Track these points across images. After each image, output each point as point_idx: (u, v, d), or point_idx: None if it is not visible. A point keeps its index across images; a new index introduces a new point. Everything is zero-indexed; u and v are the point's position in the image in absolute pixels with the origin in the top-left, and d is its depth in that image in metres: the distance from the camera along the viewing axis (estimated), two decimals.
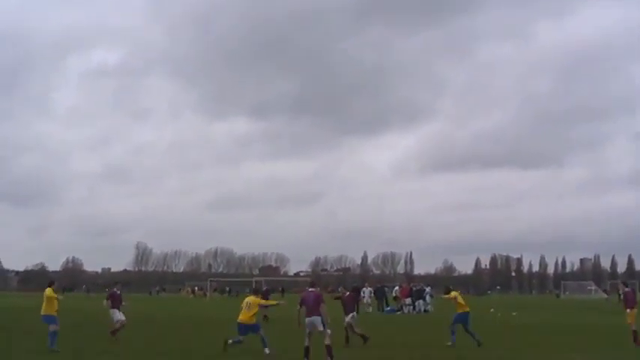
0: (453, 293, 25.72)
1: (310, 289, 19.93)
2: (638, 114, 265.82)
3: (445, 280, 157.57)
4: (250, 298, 21.89)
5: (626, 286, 27.44)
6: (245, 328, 21.28)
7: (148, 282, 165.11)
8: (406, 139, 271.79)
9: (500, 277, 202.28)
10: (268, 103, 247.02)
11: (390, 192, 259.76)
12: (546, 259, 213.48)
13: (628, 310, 25.34)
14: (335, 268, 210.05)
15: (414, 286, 56.12)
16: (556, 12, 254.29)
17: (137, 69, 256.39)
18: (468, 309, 24.98)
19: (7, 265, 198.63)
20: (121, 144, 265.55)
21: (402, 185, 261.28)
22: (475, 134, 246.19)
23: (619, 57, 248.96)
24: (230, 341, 21.30)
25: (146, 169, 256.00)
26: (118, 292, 27.45)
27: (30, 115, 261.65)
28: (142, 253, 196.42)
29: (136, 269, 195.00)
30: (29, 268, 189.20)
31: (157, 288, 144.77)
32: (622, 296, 28.92)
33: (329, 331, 19.07)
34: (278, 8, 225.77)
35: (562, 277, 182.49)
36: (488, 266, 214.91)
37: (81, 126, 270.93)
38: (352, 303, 26.22)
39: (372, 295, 53.05)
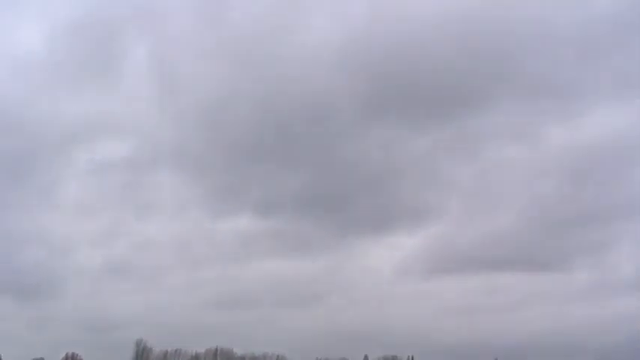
0: None
1: None
2: None
3: None
4: None
5: None
6: None
7: None
8: (411, 239, 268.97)
9: None
10: (273, 201, 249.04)
11: (394, 294, 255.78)
12: None
13: None
14: None
15: None
16: (565, 114, 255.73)
17: (144, 162, 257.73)
18: None
19: (6, 358, 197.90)
20: (125, 239, 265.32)
21: (406, 287, 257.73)
22: (481, 236, 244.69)
23: (628, 160, 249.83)
24: None
25: (149, 265, 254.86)
26: None
27: (35, 207, 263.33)
28: (142, 351, 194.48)
29: None
30: None
31: None
32: None
33: None
34: (288, 104, 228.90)
35: None
36: None
37: (85, 219, 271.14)
38: None
39: None
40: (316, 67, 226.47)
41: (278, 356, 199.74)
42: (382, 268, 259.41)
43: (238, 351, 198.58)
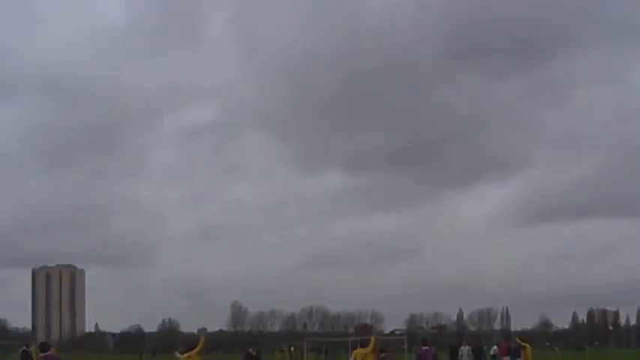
0: None
1: (424, 347, 20.58)
2: None
3: (542, 335, 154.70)
4: (359, 351, 22.66)
5: None
6: None
7: (243, 342, 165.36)
8: (502, 190, 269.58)
9: (598, 331, 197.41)
10: (361, 157, 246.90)
11: (486, 245, 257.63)
12: None
13: None
14: (430, 325, 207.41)
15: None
16: None
17: (230, 126, 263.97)
18: None
19: (103, 327, 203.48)
20: (215, 203, 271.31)
21: (498, 238, 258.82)
22: (570, 183, 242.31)
23: None
24: None
25: (240, 227, 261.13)
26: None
27: (125, 177, 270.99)
28: (238, 313, 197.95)
29: (232, 329, 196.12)
30: (125, 330, 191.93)
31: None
32: None
33: None
34: (371, 58, 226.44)
35: None
36: (585, 320, 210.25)
37: (175, 186, 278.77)
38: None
39: (471, 353, 52.45)
40: (398, 19, 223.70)
41: (372, 312, 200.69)
42: (473, 220, 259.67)
43: (333, 309, 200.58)
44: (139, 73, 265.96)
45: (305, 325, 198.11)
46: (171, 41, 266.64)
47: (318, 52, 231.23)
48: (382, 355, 41.01)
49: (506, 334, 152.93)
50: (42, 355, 21.32)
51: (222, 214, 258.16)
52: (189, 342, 35.32)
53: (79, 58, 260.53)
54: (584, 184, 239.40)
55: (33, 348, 42.08)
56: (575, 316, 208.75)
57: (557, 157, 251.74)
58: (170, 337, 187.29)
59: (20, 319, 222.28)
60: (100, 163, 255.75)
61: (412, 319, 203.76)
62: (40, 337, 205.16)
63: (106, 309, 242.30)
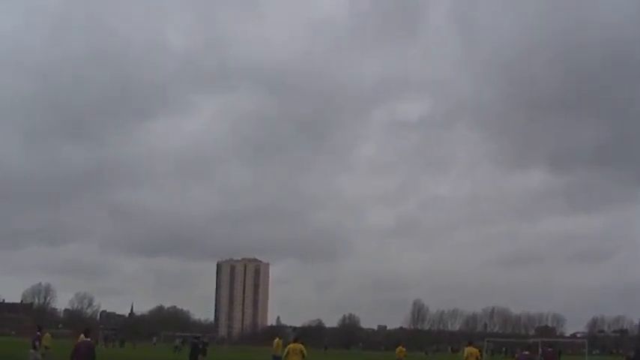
0: None
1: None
2: None
3: None
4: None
5: None
6: None
7: (422, 341, 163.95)
8: None
9: None
10: (568, 155, 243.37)
11: None
12: None
13: None
14: (612, 329, 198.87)
15: None
16: None
17: (442, 120, 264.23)
18: None
19: (285, 321, 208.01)
20: (416, 197, 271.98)
21: None
22: None
23: None
24: None
25: (437, 222, 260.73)
26: None
27: (330, 169, 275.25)
28: (419, 311, 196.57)
29: (412, 327, 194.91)
30: (306, 324, 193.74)
31: (434, 347, 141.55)
32: None
33: None
34: (589, 53, 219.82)
35: None
36: None
37: (378, 179, 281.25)
38: None
39: None
40: (618, 13, 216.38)
41: (553, 315, 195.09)
42: None
43: (515, 310, 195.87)
44: (355, 64, 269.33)
45: (485, 326, 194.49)
46: (390, 33, 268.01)
47: (539, 45, 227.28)
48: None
49: None
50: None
51: (419, 209, 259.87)
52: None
53: (296, 51, 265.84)
54: None
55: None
56: None
57: None
58: (349, 333, 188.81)
59: (203, 312, 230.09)
60: (306, 155, 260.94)
61: (594, 323, 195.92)
62: (222, 331, 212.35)
63: (290, 303, 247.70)
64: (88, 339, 20.34)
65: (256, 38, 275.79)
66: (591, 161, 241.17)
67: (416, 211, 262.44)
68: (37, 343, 32.70)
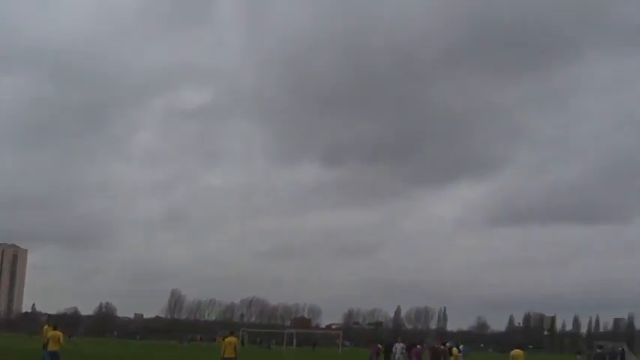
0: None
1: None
2: None
3: (477, 337, 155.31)
4: None
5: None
6: None
7: (179, 330, 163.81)
8: (475, 190, 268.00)
9: (534, 335, 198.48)
10: (342, 149, 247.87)
11: (444, 245, 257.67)
12: (580, 318, 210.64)
13: None
14: (367, 321, 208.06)
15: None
16: None
17: (221, 111, 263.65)
18: None
19: (40, 308, 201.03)
20: (187, 188, 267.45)
21: (461, 239, 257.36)
22: (546, 188, 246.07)
23: None
24: None
25: (206, 215, 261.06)
26: None
27: (106, 157, 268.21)
28: (176, 300, 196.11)
29: (169, 316, 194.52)
30: (61, 312, 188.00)
31: (189, 337, 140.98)
32: None
33: None
34: (376, 55, 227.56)
35: (595, 337, 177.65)
36: (521, 324, 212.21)
37: (153, 169, 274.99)
38: None
39: (404, 351, 51.46)
40: (408, 13, 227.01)
41: (310, 306, 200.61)
42: (439, 220, 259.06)
43: (272, 301, 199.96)
44: (138, 52, 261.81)
45: (242, 316, 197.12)
46: (178, 22, 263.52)
47: (325, 39, 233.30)
48: None
49: (440, 334, 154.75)
50: None
51: (190, 200, 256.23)
52: None
53: (80, 35, 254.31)
54: (559, 190, 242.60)
55: None
56: (511, 320, 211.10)
57: (538, 161, 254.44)
58: (105, 321, 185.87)
59: None
60: (82, 142, 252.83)
61: (349, 315, 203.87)
62: None
63: (48, 290, 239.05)
64: None
65: (39, 20, 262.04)
66: (365, 157, 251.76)
67: (186, 202, 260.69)
68: None
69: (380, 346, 45.88)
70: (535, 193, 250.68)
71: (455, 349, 27.77)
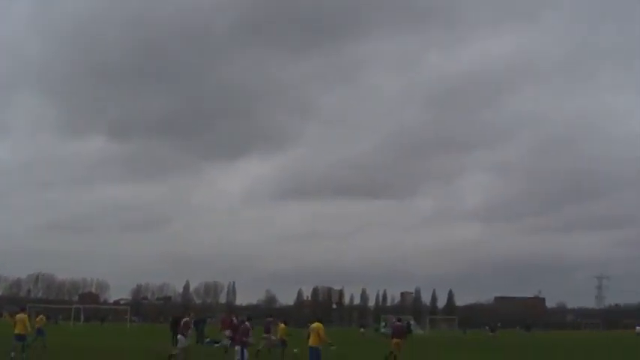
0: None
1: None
2: (498, 147, 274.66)
3: (266, 311, 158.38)
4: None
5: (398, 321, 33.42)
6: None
7: None
8: (264, 165, 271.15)
9: (322, 309, 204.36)
10: (130, 123, 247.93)
11: (235, 220, 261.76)
12: (368, 291, 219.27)
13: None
14: (156, 296, 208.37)
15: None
16: (443, 43, 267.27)
17: (5, 82, 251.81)
18: None
19: None
20: None
21: (250, 214, 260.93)
22: (334, 163, 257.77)
23: (492, 89, 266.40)
24: None
25: None
26: None
27: None
28: None
29: None
30: None
31: None
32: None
33: None
34: (162, 21, 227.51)
35: (382, 310, 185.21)
36: (310, 298, 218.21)
37: None
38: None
39: (192, 325, 52.35)
40: None
41: (98, 281, 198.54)
42: (233, 194, 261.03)
43: (60, 276, 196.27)
44: None
45: (29, 292, 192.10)
46: None
47: (112, 10, 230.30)
48: None
49: (230, 308, 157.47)
50: None
51: None
52: None
53: None
54: (347, 165, 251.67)
55: None
56: (300, 293, 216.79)
57: (327, 137, 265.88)
58: None
59: None
60: None
61: (138, 290, 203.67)
62: None
63: None
64: None
65: None
66: (154, 132, 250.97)
67: None
68: None
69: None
70: (323, 168, 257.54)
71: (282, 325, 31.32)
